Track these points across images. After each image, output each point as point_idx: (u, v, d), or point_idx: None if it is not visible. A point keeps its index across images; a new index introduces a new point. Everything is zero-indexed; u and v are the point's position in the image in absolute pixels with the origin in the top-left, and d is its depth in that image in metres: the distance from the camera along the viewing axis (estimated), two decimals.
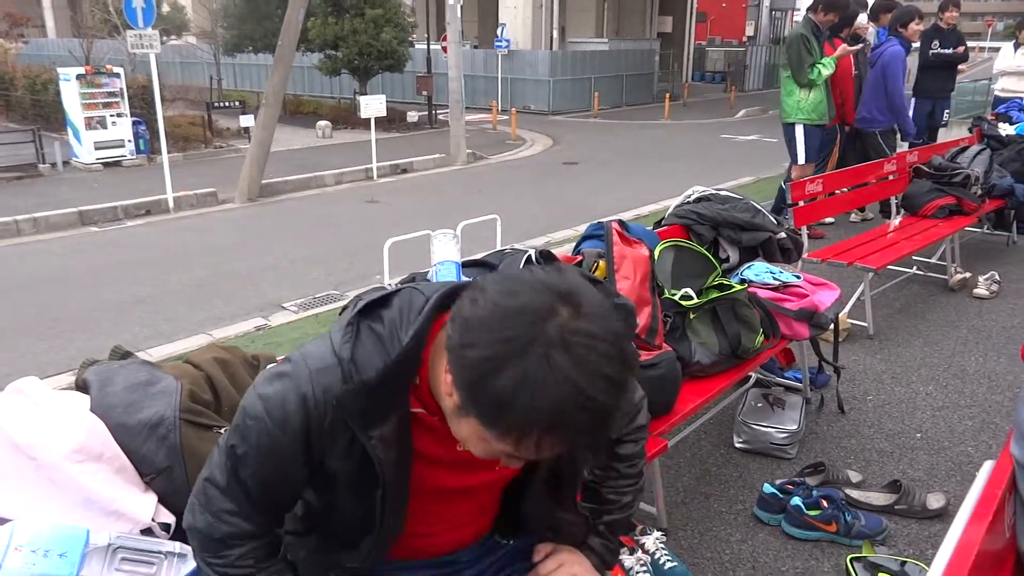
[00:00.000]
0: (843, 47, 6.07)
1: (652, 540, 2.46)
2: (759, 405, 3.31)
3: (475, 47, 24.33)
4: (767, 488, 2.76)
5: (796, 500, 2.66)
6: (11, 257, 7.89)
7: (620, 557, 2.38)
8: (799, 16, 25.73)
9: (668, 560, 2.40)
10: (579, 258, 2.68)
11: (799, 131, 6.10)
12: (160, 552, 1.39)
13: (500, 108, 18.72)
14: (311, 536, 1.35)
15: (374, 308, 1.16)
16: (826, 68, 5.90)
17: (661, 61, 25.24)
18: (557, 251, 2.53)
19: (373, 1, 16.68)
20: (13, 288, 6.55)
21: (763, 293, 3.11)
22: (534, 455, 1.02)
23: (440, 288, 1.17)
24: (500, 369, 0.95)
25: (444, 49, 16.32)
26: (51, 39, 29.53)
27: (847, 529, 2.61)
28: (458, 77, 13.26)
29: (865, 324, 4.44)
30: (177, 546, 1.42)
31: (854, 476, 2.94)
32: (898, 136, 6.63)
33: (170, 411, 1.54)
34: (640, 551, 2.43)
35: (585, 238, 2.86)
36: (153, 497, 1.50)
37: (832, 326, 3.41)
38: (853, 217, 7.09)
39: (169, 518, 1.51)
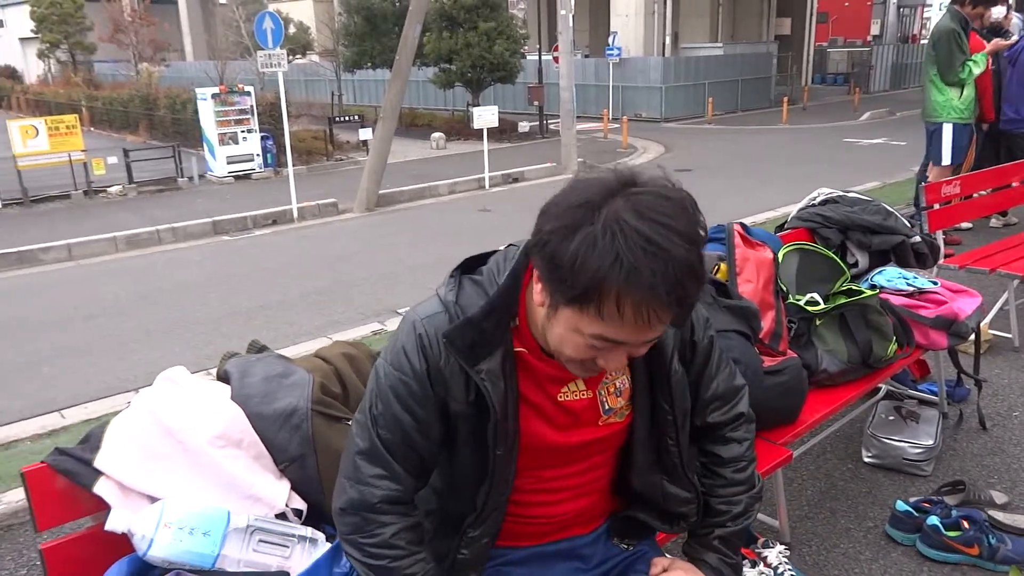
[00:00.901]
0: (996, 41, 5.69)
1: (775, 554, 2.36)
2: (891, 418, 3.13)
3: (586, 56, 24.32)
4: (900, 505, 2.60)
5: (933, 519, 2.49)
6: (155, 264, 8.50)
7: (743, 571, 2.30)
8: (929, 12, 24.34)
9: (791, 574, 2.30)
10: None
11: (947, 131, 5.75)
12: (294, 535, 1.45)
13: (611, 116, 18.63)
14: (435, 514, 1.39)
15: (474, 264, 1.30)
16: (978, 65, 5.55)
17: (779, 64, 24.45)
18: None
19: (486, 15, 16.98)
20: (158, 292, 7.05)
21: (896, 300, 2.95)
22: (621, 327, 1.06)
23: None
24: (572, 234, 1.03)
25: (555, 59, 16.43)
26: (189, 62, 31.72)
27: (991, 553, 2.42)
28: (569, 87, 13.29)
29: (1009, 335, 4.12)
30: (309, 531, 1.48)
31: (999, 497, 2.73)
32: None
33: (303, 402, 1.61)
34: (762, 564, 2.34)
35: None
36: (287, 484, 1.57)
37: (973, 336, 3.19)
38: (994, 222, 6.61)
39: (301, 505, 1.57)
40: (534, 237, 1.11)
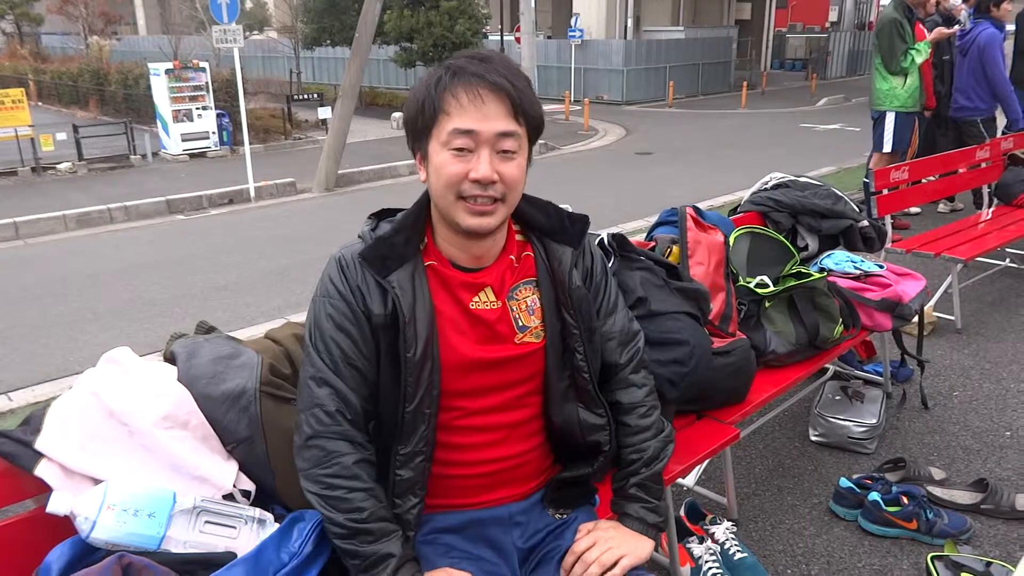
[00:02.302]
0: (939, 30, 5.80)
1: (722, 530, 2.43)
2: (837, 398, 3.22)
3: (548, 37, 24.23)
4: (843, 482, 2.68)
5: (874, 495, 2.58)
6: (106, 244, 8.30)
7: (689, 546, 2.36)
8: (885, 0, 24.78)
9: (738, 551, 2.36)
10: (652, 243, 2.65)
11: (890, 119, 5.86)
12: (241, 516, 1.44)
13: (573, 98, 18.62)
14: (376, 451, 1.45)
15: (391, 212, 1.51)
16: (920, 54, 5.65)
17: (739, 49, 24.67)
18: (634, 240, 2.51)
19: None
20: (108, 273, 6.89)
21: (843, 282, 3.02)
22: (463, 112, 1.31)
23: None
24: (411, 91, 1.41)
25: (517, 40, 16.34)
26: (142, 36, 30.86)
27: (928, 527, 2.52)
28: (531, 68, 13.28)
29: (952, 318, 4.25)
30: (257, 512, 1.47)
31: (937, 473, 2.83)
32: (998, 124, 6.28)
33: (251, 383, 1.59)
34: (709, 540, 2.40)
35: (658, 224, 2.82)
36: (235, 465, 1.56)
37: (916, 318, 3.28)
38: (941, 207, 6.79)
39: (249, 485, 1.56)
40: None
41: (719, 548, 2.38)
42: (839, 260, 3.14)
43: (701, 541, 2.40)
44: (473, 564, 1.45)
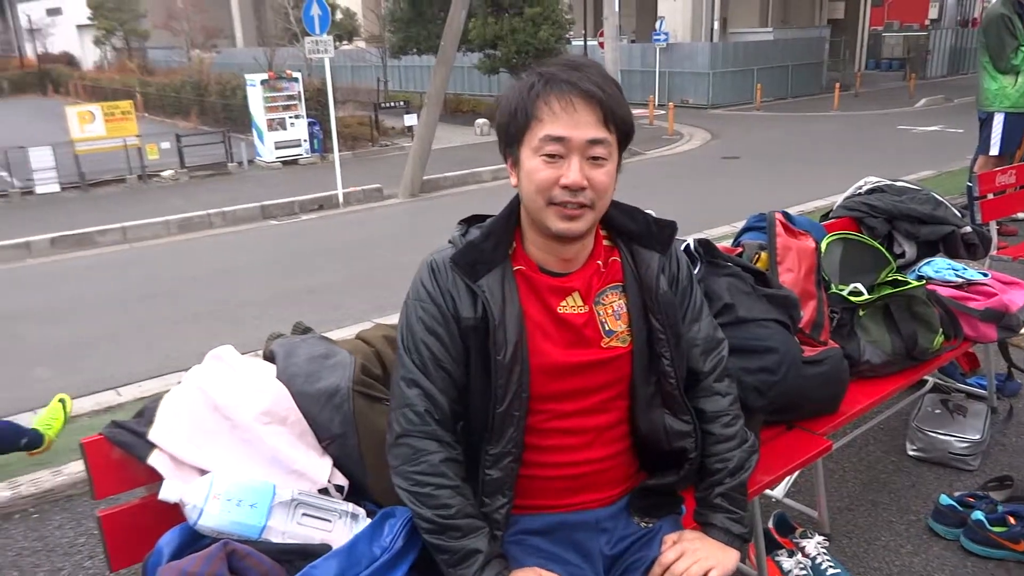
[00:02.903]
0: None
1: (813, 544, 2.36)
2: (937, 412, 3.08)
3: (632, 41, 24.07)
4: (944, 500, 2.56)
5: (978, 514, 2.45)
6: (205, 247, 8.72)
7: (778, 559, 2.31)
8: None
9: (830, 566, 2.29)
10: (739, 249, 2.61)
11: (999, 120, 5.55)
12: (336, 510, 1.50)
13: (657, 102, 18.43)
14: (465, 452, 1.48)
15: (481, 217, 1.53)
16: None
17: (831, 49, 23.88)
18: (721, 246, 2.47)
19: (532, 0, 16.92)
20: (207, 275, 7.24)
21: (944, 291, 2.89)
22: (556, 119, 1.33)
23: None
24: (502, 97, 1.43)
25: (601, 44, 16.29)
26: (240, 48, 32.21)
27: None
28: (614, 72, 13.20)
29: None
30: (350, 507, 1.53)
31: None
32: None
33: (345, 382, 1.65)
34: (800, 554, 2.34)
35: (746, 229, 2.77)
36: (329, 461, 1.62)
37: None
38: None
39: (343, 481, 1.62)
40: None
41: (810, 562, 2.31)
42: (939, 268, 3.01)
43: (791, 555, 2.34)
44: (560, 566, 1.46)
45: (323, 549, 1.43)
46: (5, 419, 3.33)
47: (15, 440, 3.15)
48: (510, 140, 1.40)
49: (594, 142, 1.34)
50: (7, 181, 11.90)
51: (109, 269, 7.98)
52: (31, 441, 3.25)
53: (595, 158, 1.35)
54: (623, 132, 1.40)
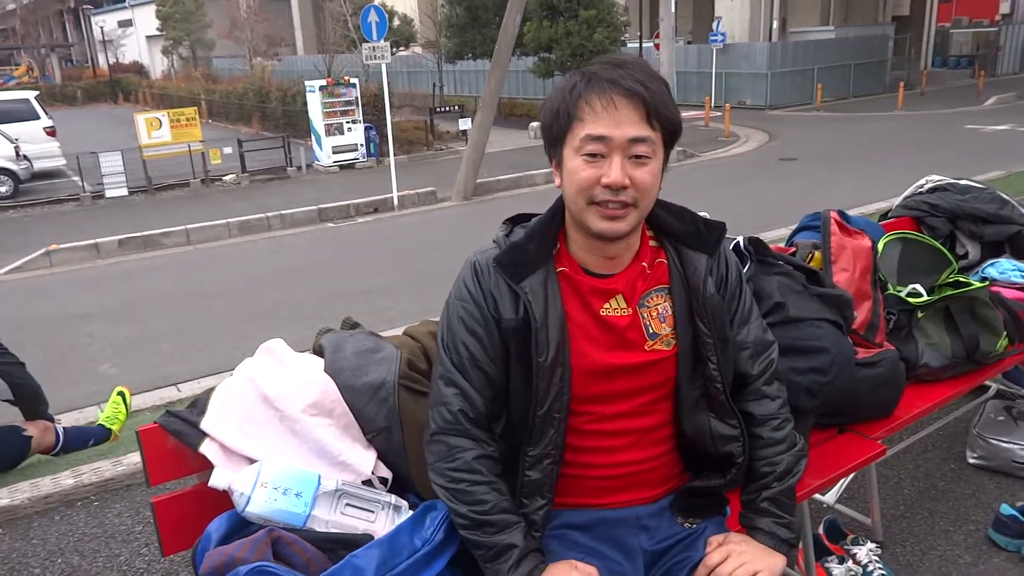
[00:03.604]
0: None
1: (865, 551, 2.30)
2: (1000, 419, 2.96)
3: (689, 43, 23.81)
4: (1006, 509, 2.47)
5: None
6: (264, 249, 8.94)
7: (827, 565, 2.26)
8: None
9: (882, 574, 2.23)
10: (793, 249, 2.56)
11: None
12: (379, 501, 1.52)
13: (714, 104, 18.19)
14: (506, 451, 1.48)
15: (525, 219, 1.52)
16: None
17: (895, 47, 23.22)
18: (774, 246, 2.43)
19: (587, 2, 16.88)
20: (266, 276, 7.42)
21: (1009, 293, 2.78)
22: (597, 119, 1.32)
23: None
24: (551, 97, 1.41)
25: (656, 46, 16.16)
26: (300, 56, 32.97)
27: None
28: (670, 74, 13.09)
29: None
30: (393, 498, 1.55)
31: None
32: None
33: (390, 376, 1.68)
34: (851, 561, 2.28)
35: (800, 229, 2.72)
36: (373, 453, 1.65)
37: None
38: None
39: (387, 473, 1.65)
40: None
41: (860, 570, 2.25)
42: (1004, 269, 2.91)
43: (841, 561, 2.29)
44: (599, 561, 1.45)
45: (365, 539, 1.46)
46: (75, 427, 3.51)
47: (83, 444, 3.34)
48: (553, 141, 1.40)
49: (636, 140, 1.32)
50: (79, 186, 12.41)
51: (173, 269, 8.25)
52: (98, 440, 3.42)
53: (638, 156, 1.33)
54: (668, 130, 1.37)
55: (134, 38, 40.82)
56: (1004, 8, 29.82)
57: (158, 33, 35.00)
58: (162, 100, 26.97)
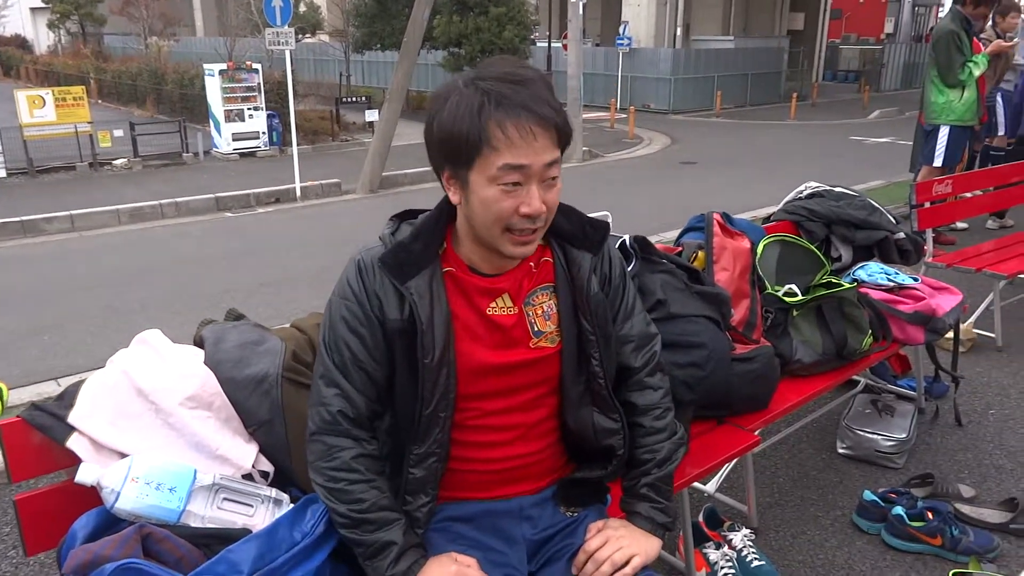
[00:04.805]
0: (998, 42, 5.67)
1: (740, 537, 2.42)
2: (867, 411, 3.18)
3: (597, 45, 24.23)
4: (868, 495, 2.65)
5: (898, 509, 2.54)
6: (157, 238, 8.56)
7: (705, 551, 2.36)
8: (943, 12, 24.18)
9: (755, 558, 2.35)
10: (679, 249, 2.67)
11: (944, 133, 5.71)
12: (259, 495, 1.50)
13: (619, 106, 18.59)
14: (390, 450, 1.49)
15: (412, 215, 1.51)
16: (978, 67, 5.51)
17: (790, 59, 24.32)
18: (663, 245, 2.53)
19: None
20: (158, 267, 7.11)
21: (876, 294, 2.98)
22: (513, 148, 1.28)
23: None
24: (442, 106, 1.32)
25: (565, 47, 16.37)
26: (199, 38, 31.65)
27: (953, 543, 2.47)
28: (577, 75, 13.26)
29: (993, 335, 4.15)
30: (274, 492, 1.53)
31: (966, 491, 2.78)
32: None
33: (274, 369, 1.65)
34: (727, 546, 2.40)
35: (687, 230, 2.84)
36: (255, 447, 1.62)
37: (952, 333, 3.22)
38: (990, 223, 6.62)
39: (268, 467, 1.62)
40: (425, 138, 1.37)
41: (736, 554, 2.37)
42: (872, 272, 3.11)
43: (718, 547, 2.40)
44: (480, 552, 1.48)
45: (244, 534, 1.43)
46: None
47: None
48: (455, 161, 1.34)
49: (551, 164, 1.33)
50: None
51: (56, 257, 7.79)
52: None
53: (551, 178, 1.34)
54: (566, 142, 1.38)
55: (16, 8, 38.17)
56: (888, 28, 31.75)
57: (44, 5, 32.89)
58: (47, 77, 25.33)
